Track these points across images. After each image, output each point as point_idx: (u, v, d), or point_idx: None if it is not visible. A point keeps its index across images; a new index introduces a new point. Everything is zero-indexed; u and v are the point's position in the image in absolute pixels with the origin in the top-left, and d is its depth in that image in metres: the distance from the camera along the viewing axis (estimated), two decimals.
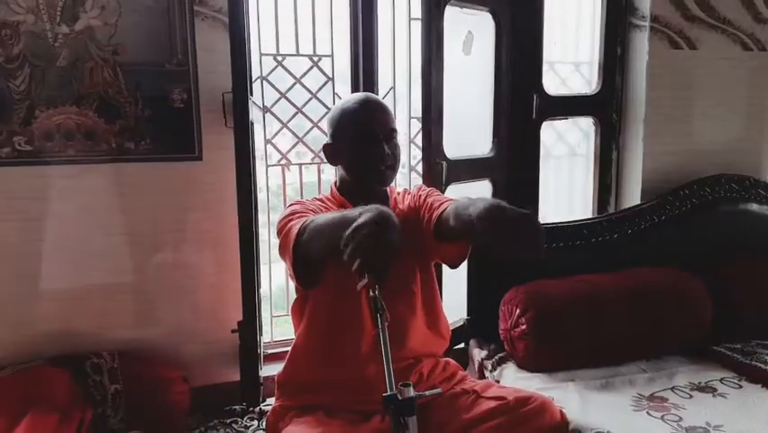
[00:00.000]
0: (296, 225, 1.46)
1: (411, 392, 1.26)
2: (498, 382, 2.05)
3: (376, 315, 1.33)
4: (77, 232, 2.15)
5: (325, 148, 1.71)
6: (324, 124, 1.76)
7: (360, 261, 1.21)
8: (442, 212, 1.57)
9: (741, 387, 1.97)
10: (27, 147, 2.06)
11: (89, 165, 2.12)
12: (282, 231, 1.53)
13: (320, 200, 1.70)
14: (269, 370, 2.24)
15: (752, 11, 2.67)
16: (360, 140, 1.62)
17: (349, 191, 1.70)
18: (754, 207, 2.62)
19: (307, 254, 1.44)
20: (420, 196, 1.74)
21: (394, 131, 1.67)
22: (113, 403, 2.04)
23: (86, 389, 2.02)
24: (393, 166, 1.67)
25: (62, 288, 2.15)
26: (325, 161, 1.76)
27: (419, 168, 2.49)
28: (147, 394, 2.08)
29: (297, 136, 2.68)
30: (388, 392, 1.26)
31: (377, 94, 2.42)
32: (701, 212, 2.53)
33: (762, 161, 2.83)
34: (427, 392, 1.40)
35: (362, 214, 1.27)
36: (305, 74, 2.60)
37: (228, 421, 2.27)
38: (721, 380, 2.01)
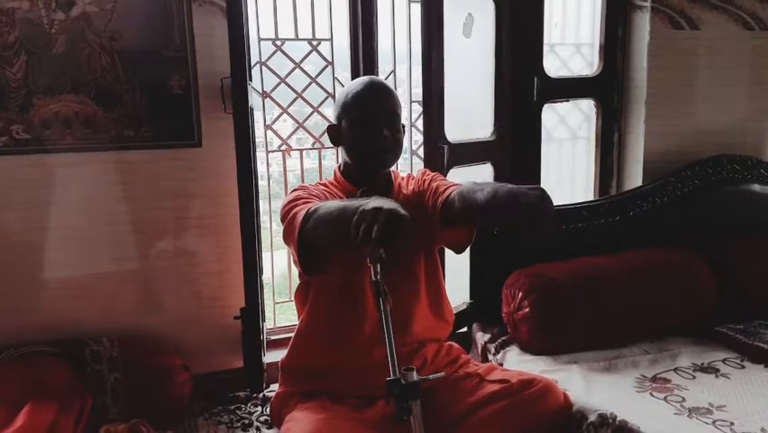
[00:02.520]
0: (300, 213, 1.45)
1: (415, 377, 1.27)
2: (501, 365, 2.06)
3: (379, 299, 1.34)
4: (77, 220, 2.14)
5: (329, 129, 1.71)
6: (328, 108, 1.76)
7: (376, 230, 1.18)
8: (447, 197, 1.56)
9: (744, 367, 1.97)
10: (25, 135, 2.04)
11: (88, 153, 2.11)
12: (286, 217, 1.52)
13: (324, 185, 1.70)
14: (273, 356, 2.25)
15: None
16: (359, 121, 1.62)
17: (353, 175, 1.69)
18: (756, 187, 2.62)
19: (312, 242, 1.43)
20: (425, 180, 1.73)
21: (396, 115, 1.66)
22: (112, 393, 2.04)
23: (85, 378, 2.02)
24: (392, 149, 1.66)
25: (63, 276, 2.14)
26: (328, 143, 1.76)
27: (420, 152, 2.48)
28: (147, 383, 2.08)
29: (298, 121, 2.66)
30: (392, 377, 1.27)
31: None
32: (703, 193, 2.53)
33: (763, 141, 2.82)
34: (431, 376, 1.40)
35: (369, 201, 1.27)
36: (304, 58, 2.58)
37: (232, 408, 2.28)
38: (724, 360, 2.02)
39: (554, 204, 1.31)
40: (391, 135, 1.64)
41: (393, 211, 1.20)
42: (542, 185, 2.64)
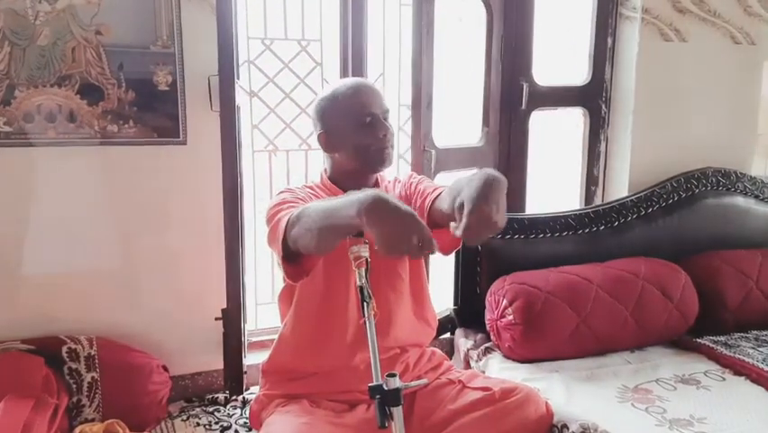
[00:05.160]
0: (285, 217, 1.43)
1: (397, 383, 1.25)
2: (483, 372, 2.05)
3: (363, 304, 1.32)
4: (58, 215, 2.10)
5: (321, 138, 1.67)
6: (311, 114, 1.72)
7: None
8: (434, 198, 1.55)
9: (724, 379, 1.98)
10: (6, 128, 2.00)
11: (71, 147, 2.07)
12: (271, 221, 1.50)
13: (310, 188, 1.68)
14: (253, 358, 2.22)
15: (742, 4, 2.68)
16: (363, 123, 1.60)
17: (342, 179, 1.67)
18: (740, 200, 2.64)
19: (296, 247, 1.41)
20: (411, 183, 1.72)
21: (388, 111, 1.66)
22: (89, 392, 2.01)
23: (62, 376, 1.99)
24: (392, 145, 1.66)
25: (41, 272, 2.10)
26: (315, 144, 1.73)
27: (408, 156, 2.47)
28: (125, 383, 2.05)
29: (285, 122, 2.64)
30: (375, 382, 1.25)
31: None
32: (687, 205, 2.54)
33: (747, 155, 2.84)
34: (413, 383, 1.39)
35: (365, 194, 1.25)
36: (293, 59, 2.56)
37: (211, 410, 2.25)
38: (705, 372, 2.02)
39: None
40: (392, 131, 1.65)
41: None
42: (527, 192, 2.67)
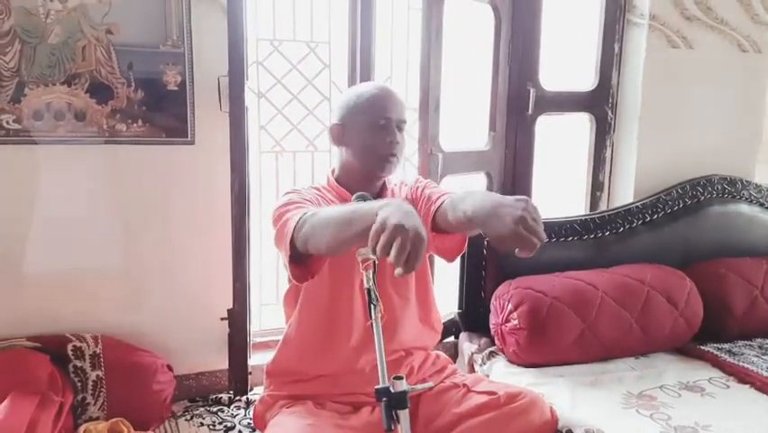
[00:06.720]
0: (293, 217, 1.43)
1: (404, 386, 1.25)
2: (487, 376, 2.05)
3: (370, 306, 1.33)
4: (65, 214, 2.10)
5: (333, 129, 1.68)
6: (333, 106, 1.73)
7: (396, 249, 1.15)
8: (440, 205, 1.55)
9: (728, 387, 1.98)
10: (15, 126, 2.01)
11: (79, 146, 2.08)
12: (278, 221, 1.50)
13: (316, 189, 1.68)
14: (257, 359, 2.22)
15: (749, 12, 2.68)
16: (377, 124, 1.61)
17: (349, 180, 1.67)
18: (744, 207, 2.64)
19: (305, 248, 1.41)
20: (418, 188, 1.72)
21: (404, 122, 1.67)
22: (93, 390, 2.02)
23: (67, 374, 1.99)
24: (398, 156, 1.66)
25: (47, 270, 2.10)
26: (321, 146, 1.74)
27: (414, 159, 2.48)
28: (130, 382, 2.05)
29: (292, 123, 2.64)
30: (381, 385, 1.25)
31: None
32: (693, 212, 2.54)
33: (753, 162, 2.84)
34: (419, 386, 1.39)
35: (382, 207, 1.22)
36: (301, 60, 2.57)
37: (215, 410, 2.25)
38: (709, 379, 2.02)
39: (541, 215, 1.29)
40: (401, 141, 1.65)
41: (418, 235, 1.16)
42: (533, 197, 2.67)
